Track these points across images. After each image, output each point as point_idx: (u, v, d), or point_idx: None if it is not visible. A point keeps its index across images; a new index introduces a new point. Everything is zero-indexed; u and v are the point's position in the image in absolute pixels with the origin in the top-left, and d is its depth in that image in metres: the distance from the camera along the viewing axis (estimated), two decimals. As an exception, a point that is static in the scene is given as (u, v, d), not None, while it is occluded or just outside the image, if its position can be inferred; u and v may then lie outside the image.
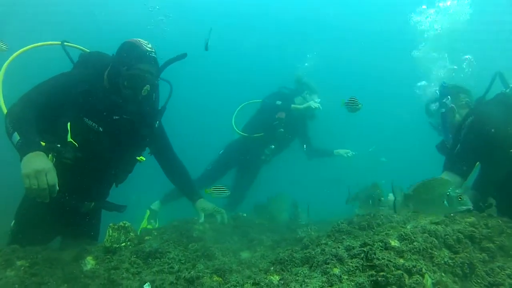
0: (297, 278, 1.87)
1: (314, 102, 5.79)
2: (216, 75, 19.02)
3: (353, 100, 3.76)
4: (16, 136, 2.40)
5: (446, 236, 2.17)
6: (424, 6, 6.00)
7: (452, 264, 2.00)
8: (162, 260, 2.61)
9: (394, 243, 2.01)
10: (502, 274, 2.00)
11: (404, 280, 1.69)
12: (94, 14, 15.41)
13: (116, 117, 2.97)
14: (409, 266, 1.76)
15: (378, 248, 1.92)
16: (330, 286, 1.70)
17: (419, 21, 5.95)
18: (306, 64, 9.25)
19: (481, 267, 2.06)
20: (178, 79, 3.98)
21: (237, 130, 6.22)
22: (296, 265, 2.10)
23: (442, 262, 1.99)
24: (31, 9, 14.76)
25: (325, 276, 1.76)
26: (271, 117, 5.96)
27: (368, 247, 1.92)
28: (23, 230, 3.03)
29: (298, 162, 7.51)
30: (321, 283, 1.71)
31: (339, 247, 2.02)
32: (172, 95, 3.28)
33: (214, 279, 2.23)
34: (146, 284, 2.25)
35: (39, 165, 2.27)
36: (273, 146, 6.11)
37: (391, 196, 3.10)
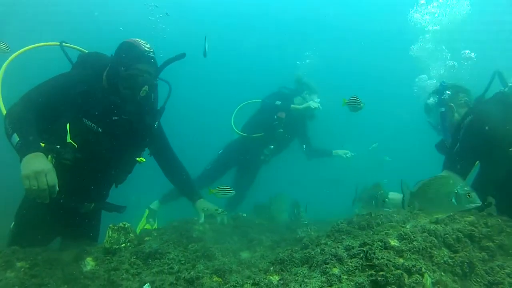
0: (297, 278, 1.87)
1: (314, 102, 5.79)
2: (215, 75, 19.02)
3: (355, 99, 3.72)
4: (16, 137, 2.40)
5: (446, 235, 2.18)
6: (422, 1, 6.00)
7: (451, 263, 2.00)
8: (162, 260, 2.61)
9: (394, 242, 2.01)
10: (502, 273, 2.00)
11: (404, 280, 1.69)
12: (94, 14, 15.38)
13: (115, 118, 2.97)
14: (408, 266, 1.76)
15: (377, 247, 1.92)
16: (329, 286, 1.69)
17: (418, 17, 5.95)
18: (308, 60, 9.25)
19: (481, 266, 2.06)
20: (177, 79, 3.98)
21: (236, 130, 6.22)
22: (295, 265, 2.09)
23: (442, 261, 1.99)
24: (31, 9, 14.76)
25: (325, 276, 1.76)
26: (271, 117, 5.96)
27: (367, 246, 1.92)
28: (23, 231, 3.03)
29: (297, 162, 7.51)
30: (320, 283, 1.71)
31: (338, 247, 2.02)
32: (171, 95, 3.28)
33: (214, 279, 2.24)
34: (146, 284, 2.25)
35: (39, 166, 2.27)
36: (272, 146, 6.11)
37: (391, 195, 3.10)
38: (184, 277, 2.23)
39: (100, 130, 2.93)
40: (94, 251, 2.71)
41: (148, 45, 2.94)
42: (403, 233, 2.07)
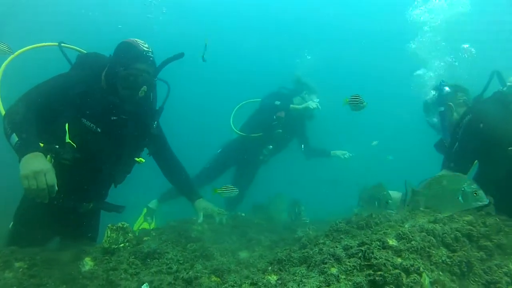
0: (295, 278, 1.87)
1: (313, 102, 5.79)
2: (213, 74, 19.00)
3: (357, 98, 3.68)
4: (15, 137, 2.40)
5: (444, 235, 2.18)
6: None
7: (449, 262, 2.00)
8: (160, 260, 2.60)
9: (392, 242, 2.01)
10: (499, 272, 2.00)
11: (402, 279, 1.69)
12: (92, 13, 15.37)
13: (114, 118, 2.97)
14: (406, 265, 1.76)
15: (376, 247, 1.93)
16: (327, 285, 1.69)
17: (418, 13, 5.95)
18: (309, 57, 9.25)
19: (479, 265, 2.06)
20: (176, 79, 3.98)
21: (235, 129, 6.22)
22: (294, 264, 2.10)
23: (440, 261, 1.99)
24: (30, 10, 14.75)
25: (323, 276, 1.76)
26: (270, 117, 5.96)
27: (365, 246, 1.92)
28: (22, 231, 3.03)
29: (296, 162, 7.51)
30: (318, 283, 1.71)
31: (336, 247, 2.02)
32: (169, 95, 3.28)
33: (212, 279, 2.24)
34: (145, 284, 2.25)
35: (38, 166, 2.27)
36: (271, 147, 6.11)
37: (392, 194, 3.10)
38: (183, 277, 2.24)
39: (99, 130, 2.93)
40: (92, 251, 2.71)
41: (146, 45, 2.94)
42: (401, 233, 2.07)
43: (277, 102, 5.92)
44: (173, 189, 4.07)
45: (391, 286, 1.65)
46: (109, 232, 2.78)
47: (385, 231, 2.22)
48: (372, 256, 1.80)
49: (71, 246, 2.86)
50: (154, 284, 2.25)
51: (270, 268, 2.12)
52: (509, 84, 3.16)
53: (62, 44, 3.31)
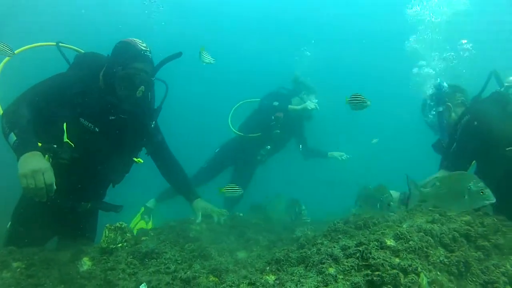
0: (293, 278, 1.87)
1: (311, 103, 5.78)
2: (212, 73, 19.00)
3: (357, 97, 3.54)
4: (13, 137, 2.41)
5: (442, 235, 2.18)
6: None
7: (447, 262, 2.01)
8: (158, 260, 2.60)
9: (390, 242, 2.01)
10: (497, 272, 2.01)
11: (400, 279, 1.69)
12: (92, 13, 15.34)
13: (112, 118, 2.96)
14: (404, 265, 1.76)
15: (373, 247, 1.93)
16: (325, 285, 1.70)
17: (418, 10, 5.94)
18: (308, 53, 9.24)
19: (476, 265, 2.07)
20: (174, 79, 3.98)
21: (233, 129, 6.22)
22: (292, 264, 2.10)
23: (438, 261, 2.00)
24: (30, 10, 14.73)
25: (321, 276, 1.77)
26: (268, 117, 5.96)
27: (363, 246, 1.93)
28: (20, 231, 3.02)
29: (294, 162, 7.51)
30: (316, 283, 1.71)
31: (334, 247, 2.03)
32: (168, 95, 3.28)
33: (210, 279, 2.24)
34: (143, 284, 2.25)
35: (36, 165, 2.27)
36: (269, 147, 6.11)
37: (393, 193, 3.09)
38: (181, 276, 2.23)
39: (97, 130, 2.93)
40: (90, 251, 2.71)
41: (144, 44, 2.93)
42: (399, 233, 2.08)
43: (276, 103, 5.92)
44: (171, 189, 4.07)
45: (389, 286, 1.65)
46: (107, 232, 2.78)
47: (383, 231, 2.23)
48: (370, 256, 1.80)
49: (69, 246, 2.86)
50: (152, 284, 2.24)
51: (268, 268, 2.12)
52: (506, 84, 3.17)
53: (60, 44, 3.31)
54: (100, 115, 2.92)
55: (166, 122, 3.57)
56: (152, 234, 3.16)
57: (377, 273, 1.70)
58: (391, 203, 2.66)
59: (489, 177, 2.90)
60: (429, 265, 1.96)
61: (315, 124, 6.49)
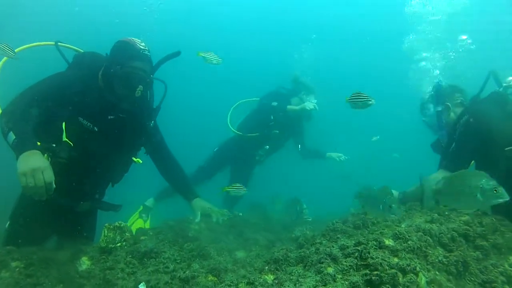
0: (291, 277, 1.87)
1: (310, 103, 5.78)
2: (210, 72, 19.00)
3: (361, 95, 3.42)
4: (12, 135, 2.41)
5: (441, 235, 2.19)
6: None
7: (446, 262, 2.01)
8: (157, 260, 2.60)
9: (389, 242, 2.02)
10: (495, 272, 2.02)
11: (398, 279, 1.69)
12: (91, 13, 15.32)
13: (111, 117, 2.96)
14: (403, 265, 1.76)
15: (372, 247, 1.93)
16: (324, 285, 1.70)
17: (417, 6, 5.95)
18: (306, 49, 9.23)
19: (475, 265, 2.08)
20: (174, 78, 3.98)
21: (232, 128, 6.22)
22: (290, 264, 2.10)
23: (436, 260, 2.00)
24: (30, 10, 14.71)
25: (319, 275, 1.77)
26: (267, 117, 5.96)
27: (362, 246, 1.93)
28: (19, 230, 3.02)
29: (294, 162, 7.52)
30: (315, 282, 1.72)
31: (333, 246, 2.03)
32: (166, 94, 3.28)
33: (209, 278, 2.24)
34: (141, 284, 2.25)
35: (35, 163, 2.28)
36: (267, 147, 6.11)
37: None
38: (180, 276, 2.23)
39: (96, 129, 2.93)
40: (89, 251, 2.71)
41: (143, 44, 2.93)
42: (398, 233, 2.08)
43: (274, 103, 5.92)
44: (170, 188, 4.07)
45: (387, 285, 1.65)
46: (106, 231, 2.78)
47: (382, 230, 2.23)
48: (368, 255, 1.80)
49: (68, 246, 2.86)
50: (151, 283, 2.24)
51: (267, 267, 2.12)
52: (505, 84, 3.18)
53: (59, 44, 3.30)
54: (99, 115, 2.92)
55: (165, 122, 3.57)
56: (151, 233, 3.15)
57: (375, 272, 1.70)
58: (393, 205, 2.65)
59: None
60: (427, 264, 1.96)
61: (315, 124, 6.49)
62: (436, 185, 2.62)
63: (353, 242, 2.03)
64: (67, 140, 2.75)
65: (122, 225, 2.87)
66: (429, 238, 2.13)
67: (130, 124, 3.06)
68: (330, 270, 1.80)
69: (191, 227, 3.42)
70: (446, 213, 2.58)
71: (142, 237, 3.03)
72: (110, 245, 2.72)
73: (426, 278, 1.81)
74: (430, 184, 2.64)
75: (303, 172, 11.28)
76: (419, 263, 1.88)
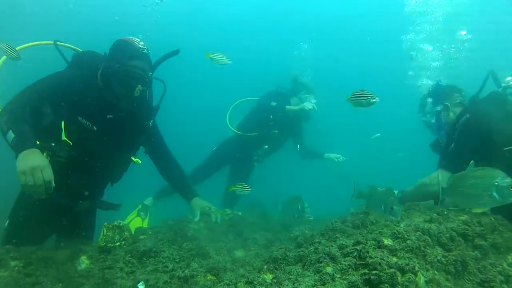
0: (290, 276, 1.88)
1: (308, 104, 5.76)
2: (210, 72, 18.97)
3: (364, 93, 3.25)
4: (11, 134, 2.42)
5: (440, 234, 2.19)
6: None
7: (445, 262, 2.02)
8: (156, 259, 2.60)
9: (387, 241, 2.02)
10: (494, 271, 2.02)
11: (397, 278, 1.69)
12: (91, 13, 15.30)
13: (110, 116, 2.96)
14: (402, 264, 1.77)
15: (371, 246, 1.94)
16: (322, 284, 1.70)
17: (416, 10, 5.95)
18: (306, 46, 9.22)
19: (474, 264, 2.08)
20: (172, 77, 3.98)
21: (231, 127, 6.21)
22: (289, 263, 2.10)
23: (435, 260, 2.01)
24: (29, 10, 14.70)
25: (318, 275, 1.77)
26: (266, 117, 5.96)
27: (361, 245, 1.93)
28: (18, 230, 3.02)
29: (294, 162, 7.51)
30: (313, 282, 1.72)
31: (332, 246, 2.03)
32: (166, 94, 3.28)
33: (208, 277, 2.24)
34: (140, 283, 2.25)
35: (35, 162, 2.28)
36: (266, 147, 6.11)
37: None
38: (179, 275, 2.23)
39: (95, 129, 2.92)
40: (88, 250, 2.70)
41: (142, 43, 2.93)
42: (397, 232, 2.08)
43: (273, 103, 5.91)
44: (169, 187, 4.08)
45: (386, 285, 1.66)
46: (105, 230, 2.78)
47: (381, 230, 2.24)
48: (367, 255, 1.81)
49: (67, 245, 2.86)
50: (150, 282, 2.24)
51: (265, 267, 2.12)
52: (504, 85, 3.18)
53: (58, 43, 3.30)
54: (98, 114, 2.92)
55: (164, 121, 3.57)
56: (150, 232, 3.15)
57: (374, 272, 1.70)
58: (395, 207, 2.64)
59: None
60: (426, 264, 1.97)
61: (314, 124, 6.49)
62: (447, 184, 2.59)
63: (352, 241, 2.04)
64: (66, 139, 2.75)
65: (121, 224, 2.87)
66: (428, 237, 2.13)
67: (129, 124, 3.06)
68: (329, 269, 1.80)
69: (190, 227, 3.41)
70: (445, 212, 2.58)
71: (141, 237, 3.02)
72: (109, 244, 2.72)
73: (425, 277, 1.81)
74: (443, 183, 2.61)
75: (302, 172, 11.27)
76: (417, 263, 1.88)
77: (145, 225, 5.49)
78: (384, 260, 1.77)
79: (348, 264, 1.80)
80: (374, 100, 3.16)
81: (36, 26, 13.33)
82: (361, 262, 1.80)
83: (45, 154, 2.56)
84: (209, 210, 3.40)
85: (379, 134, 9.18)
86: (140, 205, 5.74)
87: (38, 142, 2.49)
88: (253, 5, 18.35)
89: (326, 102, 6.25)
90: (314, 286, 1.70)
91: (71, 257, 2.62)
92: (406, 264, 1.77)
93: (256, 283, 1.88)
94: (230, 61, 4.25)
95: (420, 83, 3.74)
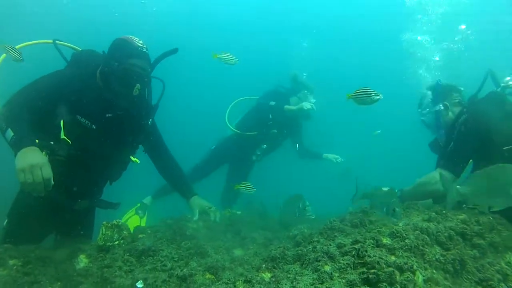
0: (289, 275, 1.88)
1: (307, 104, 5.74)
2: (209, 71, 18.96)
3: (367, 91, 3.22)
4: (10, 132, 2.43)
5: (438, 233, 2.19)
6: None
7: (443, 261, 2.02)
8: (155, 258, 2.60)
9: (386, 240, 2.02)
10: (492, 270, 2.02)
11: (395, 277, 1.70)
12: (91, 12, 15.28)
13: (109, 115, 2.96)
14: (400, 263, 1.77)
15: (369, 245, 1.94)
16: (321, 283, 1.70)
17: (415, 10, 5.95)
18: (305, 44, 9.22)
19: (472, 263, 2.08)
20: (171, 76, 3.97)
21: (230, 126, 6.21)
22: (287, 262, 2.10)
23: (434, 259, 2.01)
24: (29, 10, 14.70)
25: (316, 274, 1.77)
26: (265, 117, 5.95)
27: (359, 244, 1.93)
28: (16, 228, 3.02)
29: (293, 161, 7.52)
30: (312, 280, 1.72)
31: (330, 245, 2.03)
32: (165, 93, 3.27)
33: (207, 276, 2.24)
34: (139, 282, 2.25)
35: (34, 160, 2.28)
36: (265, 146, 6.10)
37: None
38: (177, 274, 2.23)
39: (94, 127, 2.92)
40: (87, 249, 2.71)
41: (141, 41, 2.92)
42: (395, 231, 2.08)
43: (272, 103, 5.90)
44: (168, 186, 4.08)
45: (384, 284, 1.66)
46: (104, 229, 2.78)
47: (379, 229, 2.23)
48: (365, 254, 1.81)
49: (65, 244, 2.86)
50: (148, 281, 2.24)
51: (264, 265, 2.12)
52: (503, 84, 3.19)
53: (57, 42, 3.30)
54: (97, 113, 2.92)
55: (163, 120, 3.57)
56: (149, 231, 3.15)
57: (372, 271, 1.70)
58: (397, 209, 2.63)
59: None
60: (425, 263, 1.97)
61: (314, 124, 6.49)
62: (462, 184, 2.57)
63: (351, 240, 2.04)
64: (65, 138, 2.75)
65: (120, 223, 2.87)
66: (426, 236, 2.13)
67: (128, 122, 3.06)
68: (327, 268, 1.80)
69: (189, 226, 3.41)
70: (444, 211, 2.58)
71: (140, 235, 3.02)
72: (108, 243, 2.72)
73: (423, 276, 1.82)
74: (452, 184, 2.60)
75: (301, 172, 11.27)
76: (416, 262, 1.88)
77: (143, 223, 5.50)
78: (382, 259, 1.77)
79: (347, 263, 1.80)
80: (378, 97, 3.12)
81: (36, 26, 13.32)
82: (359, 261, 1.80)
83: (44, 152, 2.56)
84: (208, 209, 3.40)
85: (379, 131, 9.20)
86: (139, 204, 5.75)
87: (37, 141, 2.50)
88: (253, 5, 18.32)
89: (325, 101, 6.24)
90: (312, 285, 1.70)
91: (70, 256, 2.62)
92: (404, 263, 1.77)
93: (254, 281, 1.88)
94: (237, 60, 4.27)
95: (419, 72, 3.72)
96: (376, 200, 2.90)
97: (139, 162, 3.29)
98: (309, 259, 1.96)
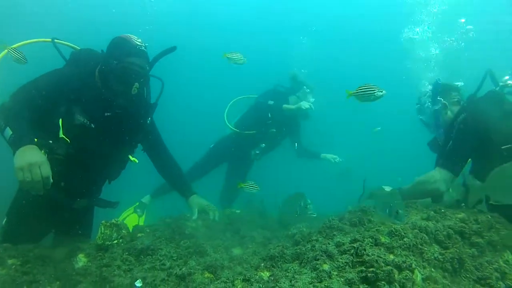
0: (287, 274, 1.88)
1: (305, 103, 5.72)
2: (209, 70, 18.93)
3: (370, 87, 3.17)
4: (9, 131, 2.42)
5: (437, 232, 2.20)
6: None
7: (442, 259, 2.02)
8: (154, 257, 2.60)
9: (384, 239, 2.02)
10: (490, 268, 2.03)
11: (394, 276, 1.70)
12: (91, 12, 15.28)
13: (108, 114, 2.96)
14: (399, 262, 1.77)
15: (368, 244, 1.94)
16: (319, 282, 1.70)
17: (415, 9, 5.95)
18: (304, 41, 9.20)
19: (470, 262, 2.09)
20: (170, 75, 3.97)
21: (229, 125, 6.20)
22: (286, 261, 2.11)
23: (432, 257, 2.01)
24: (29, 10, 14.68)
25: (315, 272, 1.77)
26: (264, 116, 5.94)
27: (358, 243, 1.93)
28: (15, 228, 3.02)
29: (292, 160, 7.51)
30: (310, 279, 1.72)
31: (329, 244, 2.03)
32: (163, 92, 3.27)
33: (206, 275, 2.24)
34: (138, 281, 2.25)
35: (32, 158, 2.28)
36: (263, 145, 6.09)
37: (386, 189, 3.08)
38: (176, 273, 2.24)
39: (93, 126, 2.92)
40: (86, 248, 2.71)
41: (139, 40, 2.92)
42: (394, 230, 2.09)
43: (271, 102, 5.89)
44: (166, 185, 4.08)
45: (383, 282, 1.66)
46: (102, 228, 2.78)
47: (378, 228, 2.24)
48: (364, 252, 1.81)
49: (64, 243, 2.86)
50: (147, 280, 2.25)
51: (262, 264, 2.12)
52: (501, 84, 3.19)
53: (56, 40, 3.30)
54: (96, 111, 2.91)
55: (162, 119, 3.57)
56: (148, 230, 3.15)
57: (371, 269, 1.71)
58: (400, 210, 2.63)
59: (484, 175, 2.93)
60: (423, 261, 1.97)
61: (314, 124, 6.48)
62: (487, 181, 2.57)
63: (349, 239, 2.04)
64: (64, 136, 2.74)
65: (118, 222, 2.87)
66: (425, 235, 2.14)
67: (127, 121, 3.05)
68: (326, 267, 1.80)
69: (188, 225, 3.42)
70: (442, 210, 2.58)
71: (139, 234, 3.02)
72: (107, 242, 2.72)
73: (422, 275, 1.82)
74: (474, 181, 2.60)
75: (300, 171, 11.27)
76: (414, 260, 1.88)
77: (141, 222, 5.49)
78: (381, 257, 1.77)
79: (345, 262, 1.80)
80: (382, 94, 3.08)
81: (36, 26, 13.31)
82: (358, 260, 1.80)
83: (42, 151, 2.55)
84: (207, 208, 3.40)
85: (379, 128, 9.19)
86: (137, 203, 5.74)
87: (36, 139, 2.49)
88: (253, 4, 18.31)
89: (325, 101, 6.23)
90: (311, 284, 1.70)
91: (69, 255, 2.62)
92: (403, 261, 1.78)
93: (253, 280, 1.88)
94: (246, 60, 4.29)
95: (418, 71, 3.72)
96: (379, 201, 2.90)
97: (137, 161, 3.29)
98: (308, 258, 1.96)
